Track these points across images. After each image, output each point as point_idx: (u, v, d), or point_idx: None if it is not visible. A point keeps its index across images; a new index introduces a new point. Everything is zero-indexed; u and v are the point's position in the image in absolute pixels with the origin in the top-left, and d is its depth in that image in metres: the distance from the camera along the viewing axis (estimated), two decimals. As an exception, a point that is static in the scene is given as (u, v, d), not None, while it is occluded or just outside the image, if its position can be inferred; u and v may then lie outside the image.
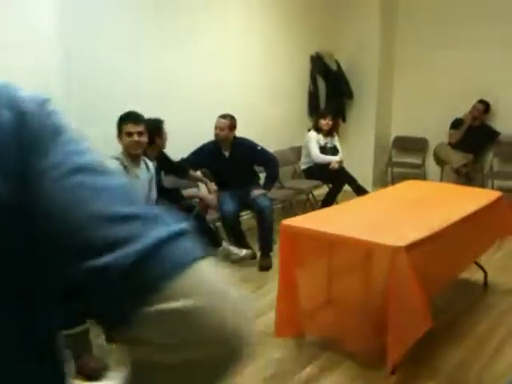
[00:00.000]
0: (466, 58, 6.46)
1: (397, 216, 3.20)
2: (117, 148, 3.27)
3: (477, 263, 3.98)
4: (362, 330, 2.92)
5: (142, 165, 3.34)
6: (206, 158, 4.53)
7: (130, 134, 3.13)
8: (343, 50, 6.83)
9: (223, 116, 4.50)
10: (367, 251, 2.94)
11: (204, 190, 4.69)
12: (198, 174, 4.44)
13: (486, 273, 3.96)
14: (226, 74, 5.32)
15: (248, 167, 4.69)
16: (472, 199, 3.59)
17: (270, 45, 5.90)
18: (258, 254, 4.36)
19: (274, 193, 5.11)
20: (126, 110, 3.28)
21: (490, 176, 6.37)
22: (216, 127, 4.49)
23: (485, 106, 6.29)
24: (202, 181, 4.50)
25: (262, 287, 3.92)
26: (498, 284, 3.97)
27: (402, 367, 2.76)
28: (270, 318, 3.35)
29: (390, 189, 4.04)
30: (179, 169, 4.20)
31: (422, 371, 2.79)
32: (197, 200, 4.01)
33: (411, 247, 2.58)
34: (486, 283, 3.94)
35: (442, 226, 2.91)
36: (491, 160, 6.45)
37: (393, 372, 2.73)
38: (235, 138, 4.57)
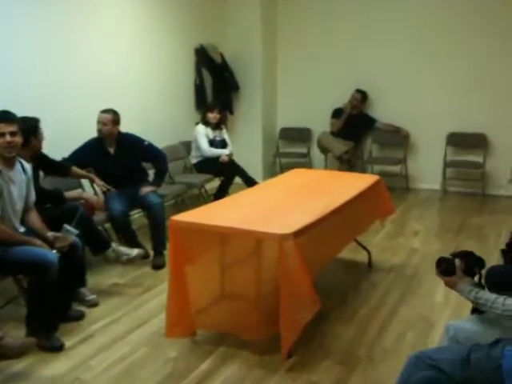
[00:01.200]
0: (344, 51, 6.78)
1: (284, 204, 3.28)
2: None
3: (361, 244, 4.20)
4: (256, 319, 2.97)
5: (18, 167, 3.12)
6: (90, 155, 4.32)
7: (1, 135, 2.90)
8: (227, 42, 6.88)
9: (105, 111, 4.32)
10: (257, 241, 2.97)
11: (89, 190, 4.52)
12: (82, 171, 4.22)
13: (369, 253, 4.19)
14: (107, 68, 5.13)
15: (135, 164, 4.55)
16: (353, 184, 3.77)
17: (154, 37, 5.77)
18: (152, 253, 4.27)
19: (165, 188, 5.04)
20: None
21: (370, 161, 6.75)
22: (98, 122, 4.30)
23: (362, 95, 6.63)
24: (87, 177, 4.28)
25: (155, 287, 3.85)
26: (381, 262, 4.22)
27: (297, 350, 2.85)
28: (163, 318, 3.31)
29: (278, 178, 4.13)
30: (60, 167, 3.97)
31: (316, 351, 2.89)
32: (81, 201, 3.81)
33: (298, 234, 2.66)
34: (370, 263, 4.17)
35: (325, 211, 3.03)
36: (370, 146, 6.82)
37: (289, 356, 2.80)
38: (120, 133, 4.41)
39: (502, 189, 6.24)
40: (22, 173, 3.15)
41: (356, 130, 6.67)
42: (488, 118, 6.17)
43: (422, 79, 6.45)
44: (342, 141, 6.55)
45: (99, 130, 4.30)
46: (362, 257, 4.24)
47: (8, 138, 2.91)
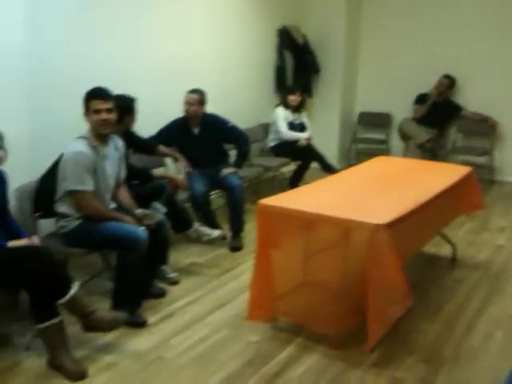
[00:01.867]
0: (431, 35, 6.48)
1: (373, 193, 3.18)
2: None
3: (446, 238, 4.04)
4: (337, 311, 2.91)
5: (111, 144, 3.19)
6: (175, 135, 4.37)
7: (97, 112, 2.96)
8: (310, 23, 6.73)
9: (193, 91, 4.34)
10: (345, 230, 2.90)
11: (173, 170, 4.58)
12: (168, 149, 4.27)
13: (455, 248, 4.02)
14: (192, 49, 5.14)
15: (218, 145, 4.57)
16: (444, 175, 3.61)
17: (237, 17, 5.73)
18: (228, 235, 4.29)
19: (243, 171, 5.02)
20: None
21: (453, 151, 6.46)
22: (186, 103, 4.33)
23: (450, 81, 6.33)
24: (172, 156, 4.33)
25: (233, 269, 3.88)
26: (465, 258, 4.04)
27: (379, 344, 2.77)
28: (244, 300, 3.32)
29: (362, 165, 4.00)
30: (148, 145, 4.05)
31: (400, 348, 2.81)
32: (166, 180, 3.87)
33: (391, 225, 2.56)
34: (454, 258, 4.00)
35: (418, 202, 2.91)
36: (454, 135, 6.53)
37: (371, 350, 2.73)
38: (204, 114, 4.43)
39: None
40: (115, 149, 3.23)
41: (440, 117, 6.40)
42: None
43: (510, 67, 6.07)
44: (425, 128, 6.31)
45: (186, 111, 4.34)
46: (444, 251, 4.08)
47: (104, 115, 2.97)
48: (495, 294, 3.44)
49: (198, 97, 4.30)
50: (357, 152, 7.06)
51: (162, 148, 4.18)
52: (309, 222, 2.93)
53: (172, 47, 4.92)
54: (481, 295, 3.43)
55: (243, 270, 3.84)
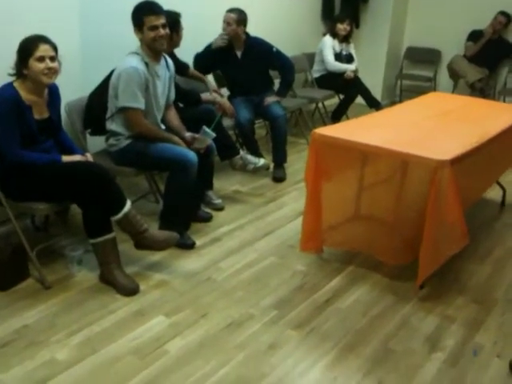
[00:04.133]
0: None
1: (431, 129, 3.05)
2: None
3: (497, 182, 3.92)
4: (392, 243, 2.87)
5: (163, 62, 3.09)
6: (217, 57, 4.20)
7: (154, 28, 2.84)
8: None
9: (231, 10, 4.11)
10: (405, 164, 2.81)
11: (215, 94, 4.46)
12: (197, 73, 4.10)
13: (505, 191, 3.90)
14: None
15: (262, 70, 4.40)
16: (504, 114, 3.44)
17: None
18: (271, 165, 4.23)
19: (286, 101, 4.88)
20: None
21: (504, 93, 6.18)
22: (224, 22, 4.15)
23: (508, 19, 5.98)
24: (201, 79, 4.16)
25: (277, 199, 3.85)
26: (516, 203, 3.94)
27: (429, 281, 2.75)
28: (289, 230, 3.32)
29: (415, 101, 3.84)
30: (179, 66, 3.90)
31: (450, 286, 2.78)
32: (216, 106, 3.76)
33: (455, 161, 2.46)
34: (503, 202, 3.89)
35: (481, 140, 2.78)
36: (506, 76, 6.23)
37: (421, 286, 2.71)
38: (248, 37, 4.24)
39: None
40: (166, 68, 3.13)
41: (493, 56, 6.09)
42: None
43: None
44: (477, 67, 6.03)
45: (224, 30, 4.15)
46: (493, 194, 3.96)
47: (162, 30, 2.86)
48: (545, 239, 3.37)
49: (235, 16, 4.08)
50: (402, 89, 6.82)
51: (193, 71, 4.04)
52: (366, 155, 2.84)
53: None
54: (531, 240, 3.36)
55: (287, 200, 3.81)
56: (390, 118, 3.36)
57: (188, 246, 3.05)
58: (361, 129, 3.02)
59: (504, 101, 6.12)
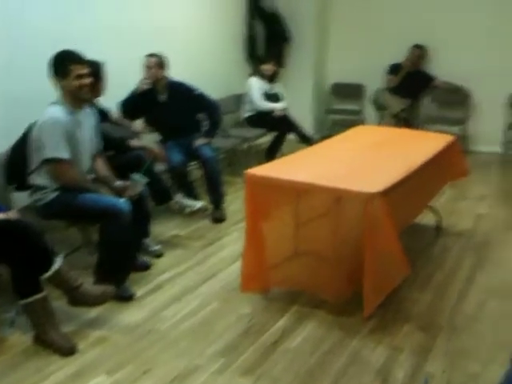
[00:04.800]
0: (403, 3, 6.41)
1: (361, 162, 3.12)
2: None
3: (430, 207, 4.03)
4: (333, 278, 2.86)
5: (86, 110, 3.01)
6: (141, 102, 4.14)
7: (80, 77, 2.76)
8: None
9: (150, 54, 4.10)
10: (339, 199, 2.83)
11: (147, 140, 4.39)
12: (119, 118, 4.02)
13: (440, 217, 4.01)
14: (156, 15, 4.91)
15: (188, 113, 4.35)
16: (429, 142, 3.58)
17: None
18: (209, 207, 4.17)
19: (219, 142, 4.90)
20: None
21: (427, 121, 6.46)
22: (144, 66, 4.10)
23: (422, 51, 6.31)
24: (124, 125, 4.01)
25: (217, 240, 3.79)
26: (449, 226, 4.05)
27: (374, 312, 2.74)
28: (232, 272, 3.25)
29: (344, 135, 3.93)
30: (100, 112, 3.78)
31: (395, 316, 2.78)
32: (144, 151, 3.69)
33: (385, 193, 2.51)
34: (439, 226, 4.00)
35: (409, 169, 2.86)
36: (428, 105, 6.53)
37: (368, 318, 2.70)
38: (170, 81, 4.22)
39: None
40: (89, 116, 3.05)
41: (414, 87, 6.37)
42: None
43: (485, 35, 6.07)
44: (399, 98, 6.29)
45: (145, 75, 4.09)
46: (427, 220, 4.07)
47: (87, 79, 2.79)
48: (482, 263, 3.45)
49: (155, 59, 4.07)
50: (332, 123, 7.00)
51: (115, 116, 3.96)
52: (300, 192, 2.85)
53: (141, 14, 4.71)
54: (468, 263, 3.43)
55: (227, 241, 3.75)
56: (321, 153, 3.41)
57: (127, 297, 2.92)
58: (293, 166, 3.04)
59: (427, 129, 6.39)
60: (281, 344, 2.53)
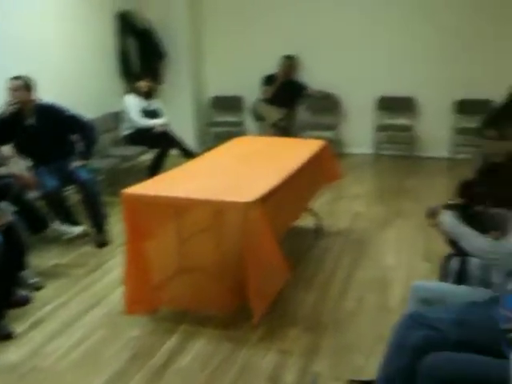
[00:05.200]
0: (273, 15, 6.65)
1: (239, 172, 3.18)
2: None
3: (309, 210, 4.20)
4: (218, 292, 2.88)
5: None
6: (8, 127, 3.90)
7: None
8: (151, 8, 6.53)
9: (15, 77, 3.88)
10: (217, 211, 2.86)
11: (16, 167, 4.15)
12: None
13: (319, 219, 4.19)
14: (27, 33, 4.70)
15: (60, 136, 4.16)
16: (302, 149, 3.73)
17: (71, 2, 5.36)
18: (91, 231, 4.03)
19: (97, 162, 4.76)
20: None
21: (304, 128, 6.75)
22: (8, 89, 3.87)
23: (293, 61, 6.58)
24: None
25: (101, 266, 3.66)
26: (328, 227, 4.24)
27: (261, 320, 2.80)
28: (118, 296, 3.16)
29: (224, 147, 3.99)
30: None
31: (282, 320, 2.86)
32: (12, 179, 3.48)
33: (262, 201, 2.58)
34: (318, 228, 4.17)
35: (284, 176, 2.96)
36: (303, 113, 6.82)
37: (257, 326, 2.75)
38: (39, 103, 4.03)
39: (429, 150, 6.46)
40: None
41: (288, 96, 6.62)
42: (415, 81, 6.32)
43: (350, 44, 6.48)
44: (276, 108, 6.50)
45: (10, 98, 3.89)
46: (309, 223, 4.24)
47: None
48: (360, 259, 3.66)
49: (21, 82, 3.86)
50: (215, 136, 7.07)
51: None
52: (179, 208, 2.84)
53: (10, 31, 4.47)
54: (347, 261, 3.62)
55: (113, 265, 3.64)
56: (200, 166, 3.43)
57: (5, 336, 2.74)
58: (171, 182, 3.03)
59: (304, 135, 6.67)
60: (171, 365, 2.50)
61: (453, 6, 6.02)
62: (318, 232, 4.14)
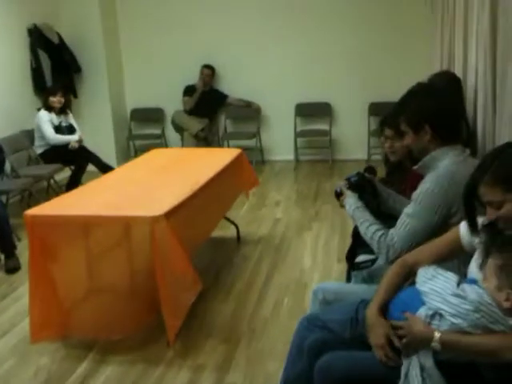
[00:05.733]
0: (189, 26, 6.62)
1: (149, 186, 3.13)
2: None
3: (228, 219, 4.20)
4: (132, 310, 2.81)
5: None
6: None
7: None
8: (64, 22, 6.38)
9: None
10: (126, 227, 2.80)
11: None
12: None
13: (237, 227, 4.20)
14: None
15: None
16: (216, 159, 3.72)
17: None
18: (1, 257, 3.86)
19: (8, 184, 4.57)
20: None
21: (226, 137, 6.77)
22: None
23: (212, 70, 6.58)
24: None
25: (12, 292, 3.49)
26: (248, 235, 4.26)
27: (179, 335, 2.76)
28: (27, 324, 3.02)
29: (136, 160, 3.94)
30: None
31: (198, 333, 2.83)
32: None
33: (169, 214, 2.55)
34: (238, 237, 4.18)
35: (194, 188, 2.95)
36: (224, 122, 6.84)
37: (172, 343, 2.70)
38: None
39: (348, 153, 6.63)
40: None
41: (209, 106, 6.63)
42: (331, 87, 6.49)
43: (267, 53, 6.58)
44: (197, 118, 6.49)
45: None
46: (230, 232, 4.24)
47: None
48: (278, 264, 3.69)
49: None
50: (136, 149, 6.96)
51: None
52: (86, 226, 2.76)
53: None
54: (266, 267, 3.65)
55: (23, 291, 3.44)
56: (110, 181, 3.37)
57: None
58: (80, 198, 2.95)
59: (228, 145, 6.69)
60: (82, 390, 2.42)
61: (362, 12, 6.25)
62: (239, 241, 4.15)
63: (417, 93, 2.02)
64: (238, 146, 6.53)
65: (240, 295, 3.26)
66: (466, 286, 1.44)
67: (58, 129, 5.36)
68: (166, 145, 6.90)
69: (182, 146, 6.60)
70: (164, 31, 6.74)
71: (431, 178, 1.82)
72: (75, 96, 6.48)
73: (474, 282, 1.46)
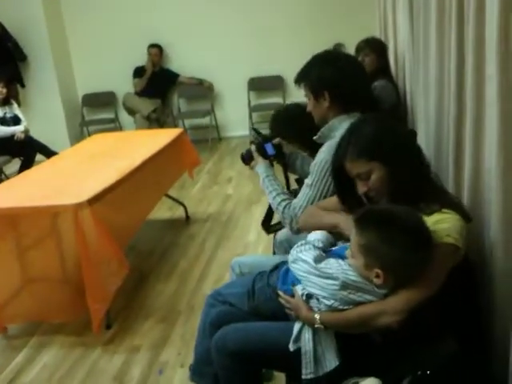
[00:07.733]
0: (135, 5, 6.50)
1: (80, 173, 3.11)
2: None
3: (176, 200, 4.20)
4: (66, 299, 2.82)
5: None
6: None
7: None
8: (5, 10, 6.17)
9: None
10: (54, 216, 2.78)
11: None
12: None
13: (185, 207, 4.20)
14: None
15: None
16: (154, 141, 3.69)
17: None
18: None
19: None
20: None
21: (179, 117, 6.71)
22: None
23: (159, 49, 6.48)
24: None
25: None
26: (198, 214, 4.26)
27: (117, 318, 2.78)
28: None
29: (75, 147, 3.90)
30: None
31: (137, 315, 2.84)
32: None
33: (93, 200, 2.53)
34: (187, 216, 4.18)
35: (123, 173, 2.92)
36: (177, 101, 6.77)
37: (108, 327, 2.72)
38: None
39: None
40: None
41: (160, 86, 6.55)
42: (283, 60, 6.41)
43: (215, 28, 6.49)
44: (149, 100, 6.40)
45: None
46: (179, 212, 4.24)
47: None
48: (224, 241, 3.71)
49: None
50: (90, 135, 6.85)
51: None
52: (14, 218, 2.74)
53: None
54: (211, 245, 3.66)
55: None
56: (43, 170, 3.33)
57: None
58: (7, 190, 2.92)
59: (183, 124, 6.64)
60: (17, 379, 2.43)
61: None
62: (187, 220, 4.15)
63: (320, 59, 2.01)
64: (192, 125, 6.57)
65: (183, 274, 3.27)
66: (331, 261, 1.43)
67: (3, 120, 5.25)
68: (120, 128, 6.82)
69: (136, 128, 6.53)
70: (110, 13, 6.60)
71: (325, 148, 1.83)
72: (22, 85, 6.36)
73: (341, 256, 1.44)
